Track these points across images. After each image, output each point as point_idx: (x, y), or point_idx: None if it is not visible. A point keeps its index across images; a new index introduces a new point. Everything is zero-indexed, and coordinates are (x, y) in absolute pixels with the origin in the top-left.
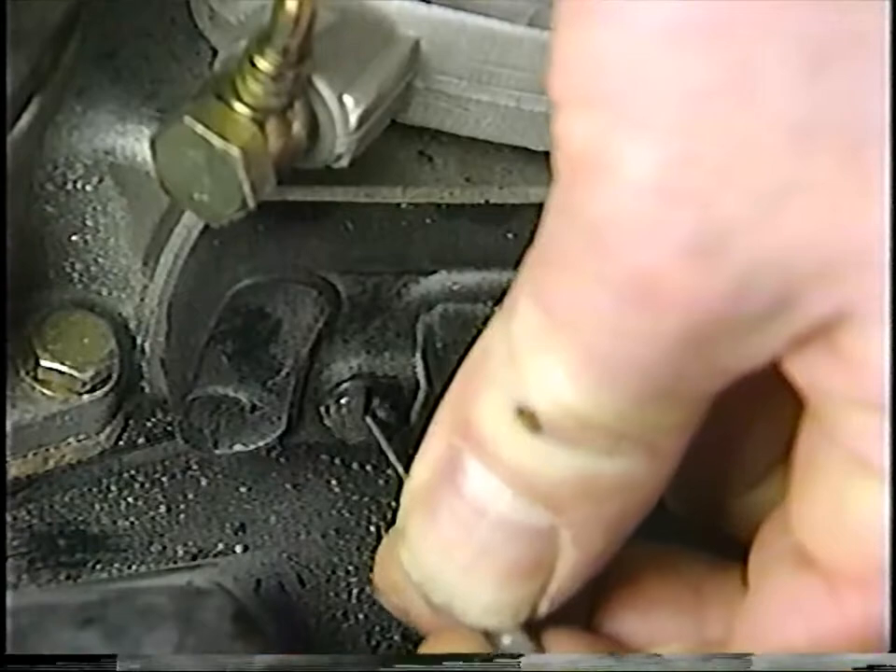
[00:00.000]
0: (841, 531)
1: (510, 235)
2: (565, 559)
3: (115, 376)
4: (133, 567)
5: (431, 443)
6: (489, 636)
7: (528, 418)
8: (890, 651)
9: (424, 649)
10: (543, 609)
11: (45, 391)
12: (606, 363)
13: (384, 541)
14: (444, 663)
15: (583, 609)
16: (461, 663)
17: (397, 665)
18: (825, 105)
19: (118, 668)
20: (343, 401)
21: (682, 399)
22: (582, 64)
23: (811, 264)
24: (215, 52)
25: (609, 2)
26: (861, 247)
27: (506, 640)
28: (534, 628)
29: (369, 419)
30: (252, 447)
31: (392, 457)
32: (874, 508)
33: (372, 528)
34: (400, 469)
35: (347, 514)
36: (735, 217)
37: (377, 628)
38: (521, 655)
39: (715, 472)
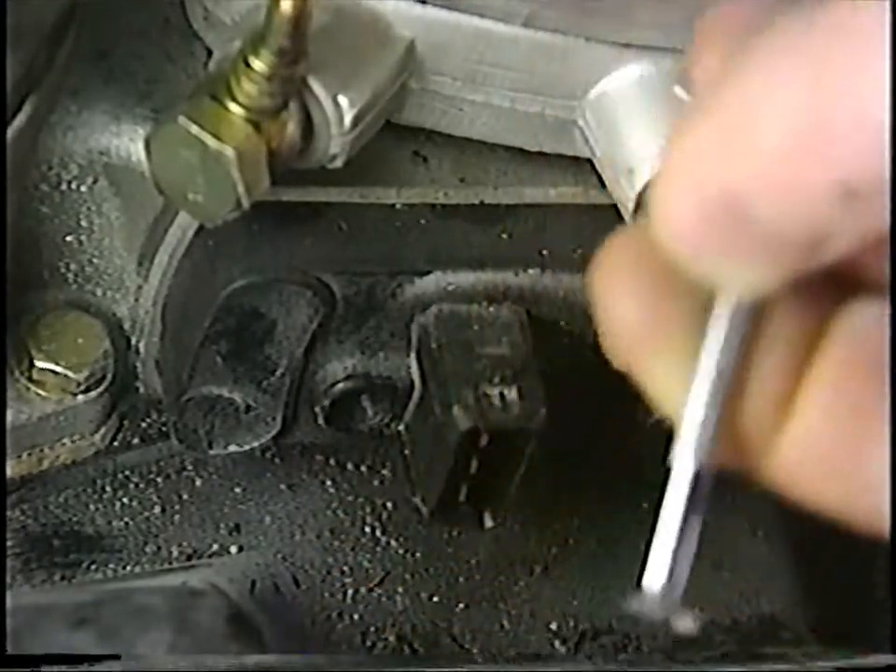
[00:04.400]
0: None
1: (504, 236)
2: None
3: (109, 377)
4: (128, 568)
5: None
6: None
7: None
8: (891, 652)
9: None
10: None
11: (39, 391)
12: None
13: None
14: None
15: None
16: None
17: (391, 667)
18: None
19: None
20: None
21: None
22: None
23: None
24: (209, 52)
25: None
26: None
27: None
28: None
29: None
30: (247, 447)
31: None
32: None
33: (367, 529)
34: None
35: (342, 515)
36: None
37: (372, 629)
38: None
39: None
